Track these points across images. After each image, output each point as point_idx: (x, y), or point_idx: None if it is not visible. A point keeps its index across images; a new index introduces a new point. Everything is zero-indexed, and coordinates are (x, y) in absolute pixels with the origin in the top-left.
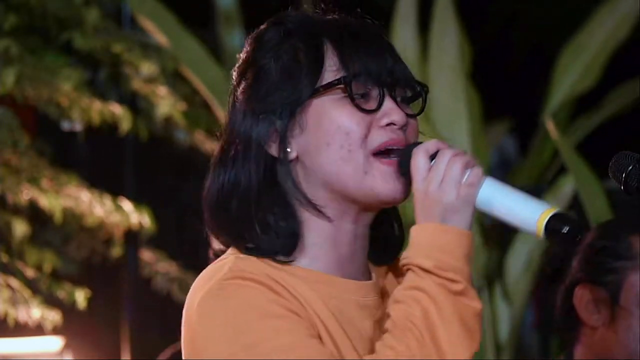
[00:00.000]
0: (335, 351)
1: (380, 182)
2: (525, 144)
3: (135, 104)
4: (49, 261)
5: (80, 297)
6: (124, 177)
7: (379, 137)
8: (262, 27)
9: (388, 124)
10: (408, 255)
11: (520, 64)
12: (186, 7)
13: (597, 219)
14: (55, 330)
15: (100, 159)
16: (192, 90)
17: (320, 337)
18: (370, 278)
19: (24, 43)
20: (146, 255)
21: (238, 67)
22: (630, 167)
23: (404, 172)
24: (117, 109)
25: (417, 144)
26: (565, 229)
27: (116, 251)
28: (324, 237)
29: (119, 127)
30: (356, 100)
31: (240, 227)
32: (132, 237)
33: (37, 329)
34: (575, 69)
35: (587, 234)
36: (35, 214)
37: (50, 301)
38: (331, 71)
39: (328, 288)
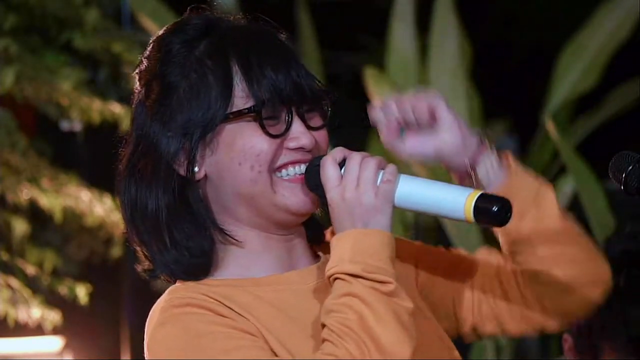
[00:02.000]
0: (284, 351)
1: (289, 197)
2: (525, 144)
3: None
4: (49, 261)
5: (82, 292)
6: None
7: (285, 158)
8: (163, 32)
9: (296, 148)
10: (333, 265)
11: (520, 64)
12: (186, 6)
13: (597, 219)
14: (55, 330)
15: (100, 158)
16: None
17: (267, 342)
18: (317, 259)
19: (24, 43)
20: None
21: (142, 74)
22: (630, 167)
23: (313, 186)
24: (117, 108)
25: (319, 157)
26: (495, 208)
27: (116, 251)
28: (253, 246)
29: (119, 126)
30: (266, 127)
31: (152, 251)
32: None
33: (37, 329)
34: (575, 69)
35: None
36: (35, 214)
37: (51, 301)
38: (241, 97)
39: (270, 287)
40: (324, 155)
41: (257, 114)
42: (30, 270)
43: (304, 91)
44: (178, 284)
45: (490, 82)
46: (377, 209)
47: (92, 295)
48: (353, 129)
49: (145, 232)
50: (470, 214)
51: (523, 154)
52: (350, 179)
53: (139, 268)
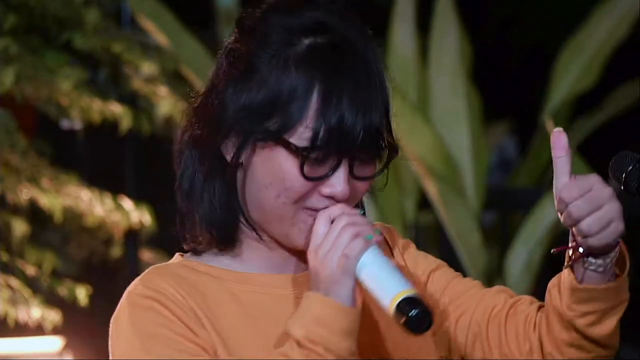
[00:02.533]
0: (240, 353)
1: (303, 235)
2: (526, 145)
3: (136, 103)
4: (49, 261)
5: (82, 294)
6: (124, 175)
7: (317, 203)
8: (274, 7)
9: (328, 196)
10: (289, 322)
11: (521, 64)
12: (186, 7)
13: None
14: (55, 331)
15: (100, 158)
16: (192, 90)
17: (215, 349)
18: (305, 268)
19: (24, 43)
20: (146, 255)
21: (234, 41)
22: (630, 167)
23: None
24: (117, 108)
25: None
26: (413, 313)
27: (116, 251)
28: (256, 242)
29: (119, 126)
30: (305, 170)
31: (183, 218)
32: (132, 237)
33: (37, 329)
34: (574, 69)
35: None
36: (35, 214)
37: (50, 301)
38: (304, 125)
39: (252, 287)
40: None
41: (304, 156)
42: (30, 270)
43: (365, 144)
44: (158, 265)
45: (490, 83)
46: (337, 280)
47: (92, 296)
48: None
49: (183, 201)
50: (392, 309)
51: (523, 155)
52: (327, 242)
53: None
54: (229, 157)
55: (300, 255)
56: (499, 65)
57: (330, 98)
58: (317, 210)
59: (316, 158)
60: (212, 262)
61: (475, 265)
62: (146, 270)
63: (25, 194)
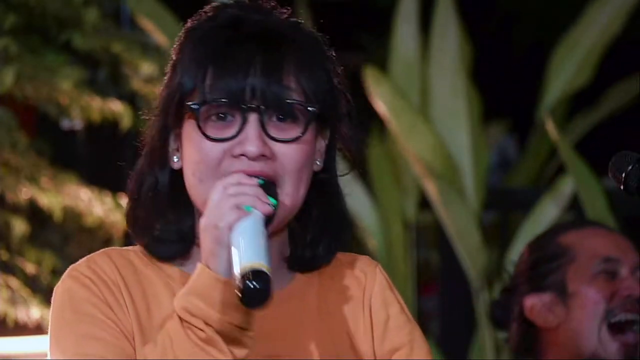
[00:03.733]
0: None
1: (224, 211)
2: (525, 144)
3: (135, 104)
4: (49, 260)
5: None
6: (123, 175)
7: (231, 168)
8: (192, 20)
9: (240, 155)
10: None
11: (519, 63)
12: (186, 7)
13: (597, 218)
14: None
15: (100, 157)
16: None
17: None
18: (285, 285)
19: (24, 42)
20: None
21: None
22: (630, 167)
23: None
24: (117, 107)
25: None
26: (252, 285)
27: None
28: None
29: (120, 125)
30: (203, 128)
31: (134, 219)
32: (132, 236)
33: (37, 329)
34: (569, 66)
35: (521, 257)
36: (34, 213)
37: (50, 301)
38: (199, 90)
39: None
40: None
41: (196, 112)
42: (30, 269)
43: (266, 98)
44: (108, 248)
45: (490, 82)
46: (213, 251)
47: None
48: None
49: (136, 204)
50: (237, 276)
51: (522, 153)
52: (209, 212)
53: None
54: (172, 163)
55: None
56: (500, 65)
57: (222, 60)
58: (236, 172)
59: (217, 113)
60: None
61: (475, 265)
62: (100, 250)
63: (24, 193)
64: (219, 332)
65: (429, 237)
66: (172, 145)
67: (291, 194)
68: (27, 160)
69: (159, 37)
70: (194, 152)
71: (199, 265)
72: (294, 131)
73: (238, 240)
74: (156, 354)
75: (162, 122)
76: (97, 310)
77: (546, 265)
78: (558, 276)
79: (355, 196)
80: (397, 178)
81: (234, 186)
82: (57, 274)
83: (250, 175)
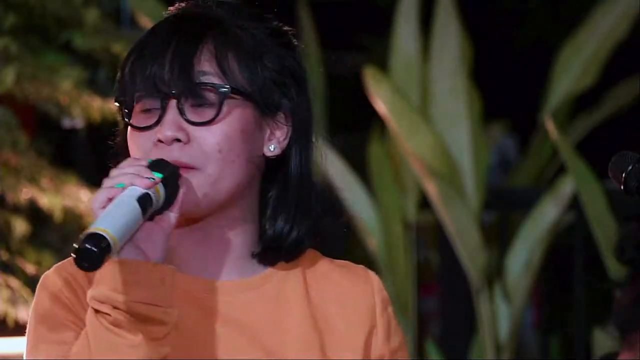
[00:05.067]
0: None
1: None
2: (526, 144)
3: None
4: (49, 261)
5: None
6: None
7: (154, 154)
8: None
9: (158, 141)
10: None
11: (521, 63)
12: None
13: (597, 219)
14: None
15: (100, 157)
16: None
17: None
18: (246, 272)
19: (24, 42)
20: None
21: None
22: (630, 167)
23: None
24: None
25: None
26: (83, 245)
27: None
28: (172, 240)
29: (119, 125)
30: (124, 118)
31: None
32: None
33: None
34: (574, 68)
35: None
36: (35, 214)
37: None
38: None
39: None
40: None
41: (121, 105)
42: (30, 269)
43: (177, 82)
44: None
45: (490, 82)
46: None
47: None
48: (354, 129)
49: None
50: (77, 240)
51: (523, 154)
52: (96, 196)
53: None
54: None
55: (206, 253)
56: (500, 65)
57: (133, 51)
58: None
59: (143, 107)
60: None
61: (475, 265)
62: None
63: (25, 193)
64: (129, 313)
65: (429, 237)
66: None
67: (215, 176)
68: (27, 160)
69: None
70: (131, 148)
71: None
72: (209, 113)
73: (102, 212)
74: (78, 347)
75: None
76: (66, 317)
77: None
78: None
79: (355, 196)
80: (397, 178)
81: (117, 169)
82: None
83: (172, 161)
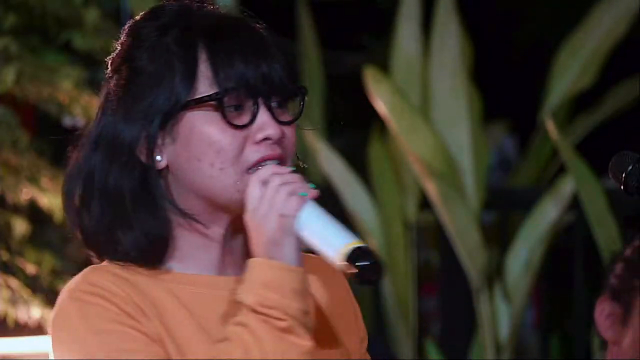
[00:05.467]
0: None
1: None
2: (526, 145)
3: None
4: (49, 261)
5: None
6: None
7: (255, 154)
8: (139, 17)
9: (263, 139)
10: (239, 292)
11: (520, 63)
12: None
13: (597, 219)
14: None
15: None
16: None
17: (163, 342)
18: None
19: (24, 42)
20: None
21: (113, 59)
22: (630, 167)
23: None
24: None
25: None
26: (365, 263)
27: None
28: (194, 243)
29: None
30: (228, 117)
31: (104, 233)
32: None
33: (37, 329)
34: (573, 67)
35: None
36: (35, 214)
37: (50, 301)
38: (205, 84)
39: (191, 287)
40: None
41: (219, 102)
42: (30, 270)
43: (273, 83)
44: (96, 265)
45: (490, 82)
46: (276, 242)
47: None
48: (354, 129)
49: (102, 212)
50: (342, 260)
51: (522, 154)
52: (262, 204)
53: (80, 249)
54: (144, 158)
55: (238, 256)
56: (500, 65)
57: (218, 51)
58: (253, 166)
59: (232, 104)
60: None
61: (475, 265)
62: (83, 271)
63: (25, 193)
64: (298, 320)
65: (429, 237)
66: (146, 145)
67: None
68: (28, 160)
69: None
70: (212, 143)
71: (259, 260)
72: (289, 113)
73: (316, 226)
74: (236, 350)
75: (139, 127)
76: (118, 324)
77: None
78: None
79: (355, 196)
80: (397, 178)
81: (278, 176)
82: (57, 274)
83: (274, 158)
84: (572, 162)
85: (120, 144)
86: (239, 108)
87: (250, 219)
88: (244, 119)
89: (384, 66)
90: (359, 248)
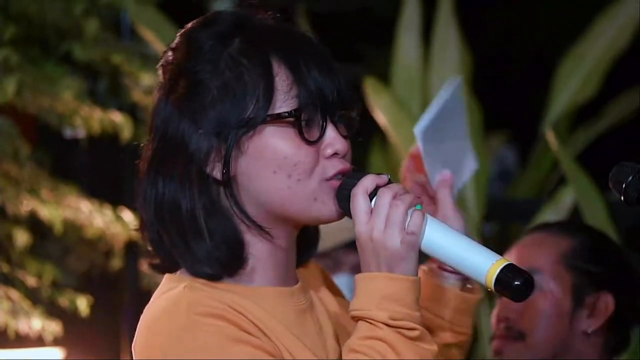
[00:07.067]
0: None
1: (328, 207)
2: (526, 155)
3: (136, 115)
4: (49, 273)
5: (83, 304)
6: (124, 187)
7: (332, 168)
8: (192, 26)
9: (333, 155)
10: (358, 307)
11: (521, 74)
12: (186, 17)
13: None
14: (56, 342)
15: (101, 168)
16: None
17: (281, 355)
18: (297, 281)
19: (24, 53)
20: (146, 266)
21: (168, 67)
22: (630, 178)
23: (344, 209)
24: (117, 117)
25: (351, 179)
26: (517, 282)
27: (116, 263)
28: (264, 254)
29: (120, 136)
30: (304, 133)
31: (182, 249)
32: (132, 248)
33: (38, 340)
34: (575, 79)
35: None
36: (35, 226)
37: (51, 312)
38: (281, 99)
39: (273, 301)
40: (355, 179)
41: (297, 119)
42: (31, 281)
43: (344, 98)
44: (186, 290)
45: (490, 93)
46: (401, 256)
47: (92, 307)
48: (354, 140)
49: (176, 232)
50: (491, 282)
51: (523, 165)
52: (379, 219)
53: (148, 264)
54: (218, 174)
55: (293, 265)
56: (500, 76)
57: (297, 64)
58: (331, 178)
59: (306, 119)
60: (225, 280)
61: None
62: (179, 295)
63: (25, 205)
64: (422, 327)
65: None
66: (219, 159)
67: None
68: (28, 171)
69: (159, 47)
70: (287, 157)
71: (382, 274)
72: (344, 127)
73: (449, 245)
74: (377, 358)
75: (208, 141)
76: (244, 345)
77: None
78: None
79: None
80: None
81: (388, 189)
82: (57, 286)
83: (347, 171)
84: (572, 173)
85: (190, 159)
86: (309, 122)
87: (364, 233)
88: (314, 133)
89: (384, 77)
90: (506, 267)
